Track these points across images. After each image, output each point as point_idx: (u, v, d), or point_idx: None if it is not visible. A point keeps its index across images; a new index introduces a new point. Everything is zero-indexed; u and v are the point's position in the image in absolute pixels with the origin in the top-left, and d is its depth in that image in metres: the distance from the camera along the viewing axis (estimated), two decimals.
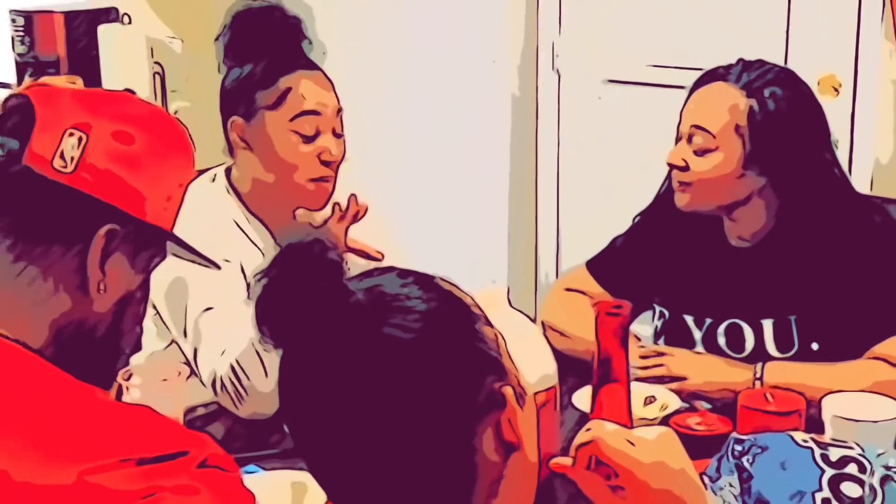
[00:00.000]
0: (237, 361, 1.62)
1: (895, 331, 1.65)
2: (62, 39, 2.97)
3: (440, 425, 0.87)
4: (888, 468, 1.21)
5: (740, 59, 1.74)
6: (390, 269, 0.94)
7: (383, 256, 1.79)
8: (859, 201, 1.78)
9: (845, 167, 2.51)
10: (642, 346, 1.74)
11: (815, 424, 1.46)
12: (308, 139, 1.76)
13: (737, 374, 1.67)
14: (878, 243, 1.70)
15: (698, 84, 1.74)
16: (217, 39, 1.78)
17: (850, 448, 1.24)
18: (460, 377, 0.89)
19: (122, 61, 2.96)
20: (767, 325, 1.74)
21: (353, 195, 1.81)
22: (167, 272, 1.74)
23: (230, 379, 1.63)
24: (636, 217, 1.92)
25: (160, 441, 0.96)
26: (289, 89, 1.75)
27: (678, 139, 1.75)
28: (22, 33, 3.00)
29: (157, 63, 2.99)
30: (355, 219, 1.81)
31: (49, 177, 1.03)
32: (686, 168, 1.71)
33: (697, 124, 1.69)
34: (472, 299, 0.95)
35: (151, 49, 2.98)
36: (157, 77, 3.00)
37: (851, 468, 1.21)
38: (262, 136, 1.77)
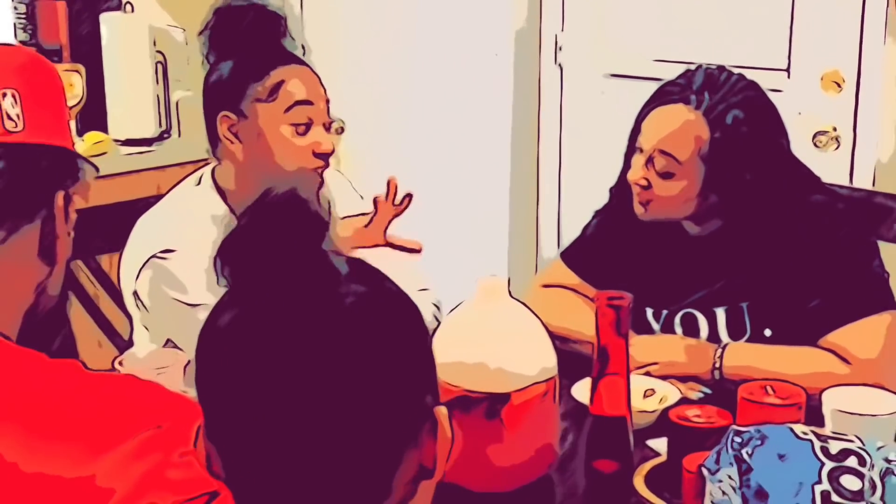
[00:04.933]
0: None
1: (842, 314, 1.69)
2: (64, 27, 2.97)
3: (373, 426, 0.82)
4: (889, 461, 1.21)
5: (700, 69, 1.75)
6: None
7: (421, 249, 1.81)
8: (811, 188, 1.80)
9: (848, 162, 2.53)
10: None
11: (815, 417, 1.46)
12: (303, 131, 1.76)
13: (695, 355, 1.73)
14: (825, 228, 1.73)
15: (658, 99, 1.76)
16: (200, 34, 1.79)
17: (851, 441, 1.23)
18: (405, 386, 0.84)
19: (125, 50, 2.95)
20: (720, 312, 1.78)
21: (392, 180, 1.83)
22: (154, 271, 1.75)
23: None
24: (609, 197, 1.95)
25: (164, 411, 0.96)
26: (282, 81, 1.75)
27: (635, 150, 1.77)
28: (24, 21, 3.00)
29: (159, 52, 2.99)
30: (401, 208, 1.83)
31: (8, 141, 1.03)
32: (648, 187, 1.74)
33: (664, 150, 1.72)
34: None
35: (154, 38, 2.97)
36: (160, 66, 3.00)
37: (851, 461, 1.20)
38: (254, 129, 1.77)
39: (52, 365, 1.02)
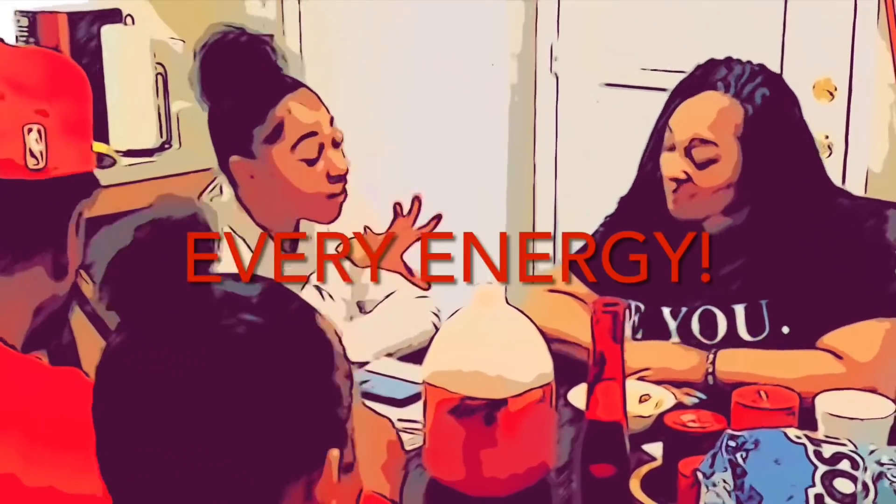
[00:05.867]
0: None
1: (856, 316, 1.69)
2: (66, 40, 2.99)
3: (254, 460, 0.79)
4: (881, 464, 1.22)
5: (712, 61, 1.76)
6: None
7: (428, 287, 1.81)
8: (830, 187, 1.81)
9: (840, 170, 2.55)
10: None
11: (808, 421, 1.47)
12: (313, 161, 1.77)
13: (687, 361, 1.73)
14: (845, 229, 1.74)
15: (683, 92, 1.76)
16: (190, 79, 1.78)
17: (843, 445, 1.25)
18: (294, 422, 0.80)
19: (125, 62, 2.97)
20: (740, 310, 1.77)
21: (417, 197, 1.83)
22: None
23: None
24: (617, 206, 1.93)
25: None
26: (282, 119, 1.76)
27: (667, 148, 1.76)
28: (26, 34, 3.02)
29: (159, 64, 3.01)
30: (426, 229, 1.84)
31: (28, 179, 1.01)
32: (688, 180, 1.73)
33: (701, 136, 1.72)
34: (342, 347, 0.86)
35: (154, 50, 2.99)
36: (160, 78, 3.02)
37: (844, 464, 1.22)
38: (269, 169, 1.78)
39: (53, 373, 1.03)
